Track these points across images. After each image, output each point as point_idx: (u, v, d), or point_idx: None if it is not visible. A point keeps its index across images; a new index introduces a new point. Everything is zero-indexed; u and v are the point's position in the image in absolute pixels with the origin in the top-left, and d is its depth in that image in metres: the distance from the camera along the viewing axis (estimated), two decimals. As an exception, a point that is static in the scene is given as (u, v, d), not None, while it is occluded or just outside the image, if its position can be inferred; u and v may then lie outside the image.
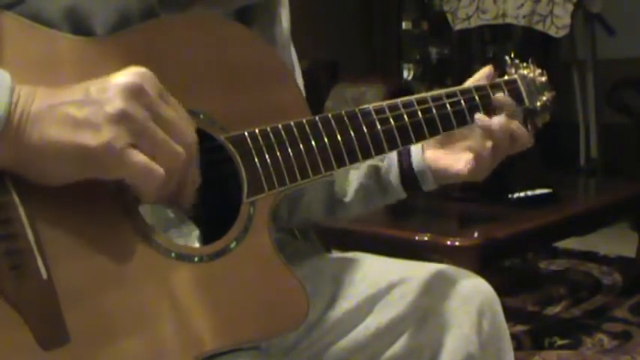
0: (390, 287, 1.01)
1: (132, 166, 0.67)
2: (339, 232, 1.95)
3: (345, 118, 0.89)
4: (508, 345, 1.02)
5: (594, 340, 2.36)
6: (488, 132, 0.99)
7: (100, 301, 0.70)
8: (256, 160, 0.81)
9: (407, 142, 0.95)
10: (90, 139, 0.66)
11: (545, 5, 3.78)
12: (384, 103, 0.93)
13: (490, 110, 1.02)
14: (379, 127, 0.92)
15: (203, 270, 0.77)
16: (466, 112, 1.00)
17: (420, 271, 1.02)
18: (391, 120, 0.93)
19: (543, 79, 1.11)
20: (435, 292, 0.99)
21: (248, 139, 0.81)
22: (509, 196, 2.33)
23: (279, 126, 0.83)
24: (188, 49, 0.80)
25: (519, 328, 2.43)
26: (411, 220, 2.43)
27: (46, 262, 0.67)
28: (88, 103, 0.67)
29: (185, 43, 0.80)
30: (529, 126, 1.08)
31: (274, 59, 0.87)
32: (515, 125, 1.01)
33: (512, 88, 1.06)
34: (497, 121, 0.99)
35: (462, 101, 1.00)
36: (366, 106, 0.92)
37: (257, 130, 0.82)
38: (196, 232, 0.85)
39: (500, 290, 1.05)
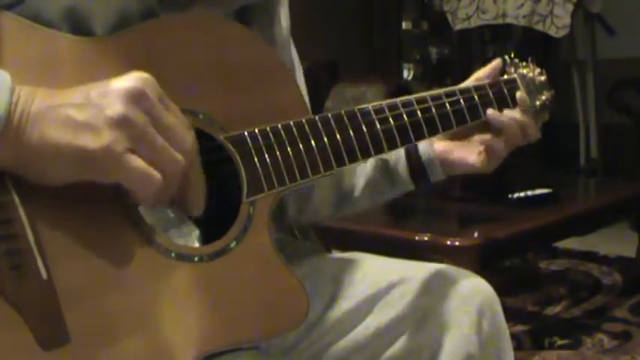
0: (390, 287, 1.01)
1: (130, 170, 0.67)
2: (339, 232, 1.96)
3: (345, 117, 0.89)
4: (508, 345, 1.02)
5: (594, 340, 2.36)
6: (500, 126, 1.03)
7: (100, 301, 0.70)
8: (256, 159, 0.81)
9: (406, 141, 0.95)
10: (90, 141, 0.66)
11: (545, 5, 3.78)
12: (384, 103, 0.94)
13: (500, 105, 1.05)
14: (378, 126, 0.92)
15: (203, 270, 0.77)
16: (465, 112, 1.01)
17: (419, 271, 1.02)
18: (390, 119, 0.93)
19: (542, 78, 1.12)
20: (434, 292, 0.99)
21: (248, 139, 0.81)
22: (509, 196, 2.33)
23: (279, 126, 0.83)
24: (188, 49, 0.80)
25: (519, 328, 2.43)
26: (411, 220, 2.44)
27: (46, 263, 0.67)
28: (89, 106, 0.67)
29: (185, 43, 0.80)
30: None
31: (274, 59, 0.87)
32: (527, 118, 1.05)
33: (511, 87, 1.07)
34: (510, 115, 1.04)
35: (462, 100, 1.00)
36: (365, 105, 0.92)
37: (257, 130, 0.82)
38: (196, 232, 0.85)
39: (500, 290, 1.05)
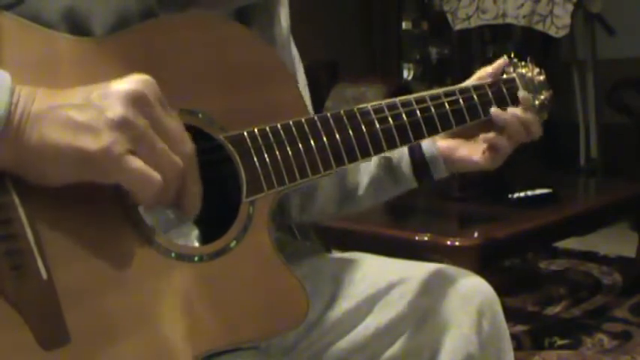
0: (390, 287, 1.01)
1: (129, 172, 0.67)
2: (339, 232, 1.96)
3: (344, 117, 0.89)
4: (508, 345, 1.02)
5: (594, 340, 2.36)
6: (503, 124, 1.03)
7: (100, 302, 0.70)
8: (255, 159, 0.81)
9: (405, 141, 0.95)
10: (89, 143, 0.66)
11: (545, 5, 3.78)
12: (383, 103, 0.94)
13: (499, 105, 1.05)
14: (378, 126, 0.92)
15: (203, 269, 0.77)
16: (464, 111, 1.01)
17: (419, 271, 1.03)
18: (390, 119, 0.93)
19: (541, 77, 1.12)
20: (434, 292, 0.99)
21: (247, 139, 0.81)
22: (509, 196, 2.33)
23: (278, 125, 0.83)
24: (187, 49, 0.80)
25: (519, 328, 2.43)
26: (411, 220, 2.44)
27: (46, 263, 0.67)
28: (89, 107, 0.67)
29: (184, 43, 0.80)
30: None
31: (273, 59, 0.87)
32: (530, 115, 1.05)
33: (510, 86, 1.07)
34: (513, 113, 1.04)
35: (461, 100, 1.01)
36: (364, 105, 0.92)
37: (256, 130, 0.82)
38: (196, 232, 0.85)
39: (500, 290, 1.05)
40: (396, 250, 1.79)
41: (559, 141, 4.03)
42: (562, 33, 3.75)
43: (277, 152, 0.83)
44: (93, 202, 0.71)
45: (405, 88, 3.60)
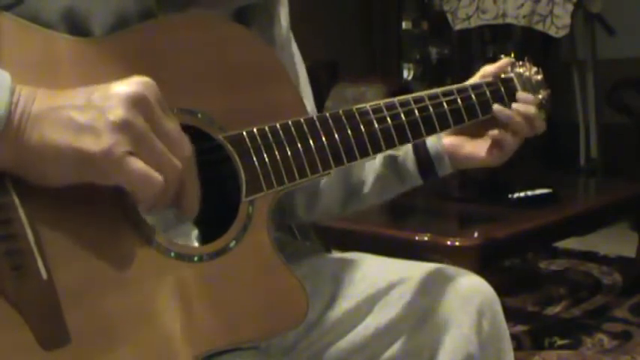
0: (390, 287, 1.01)
1: (130, 172, 0.67)
2: (339, 232, 1.96)
3: (343, 117, 0.90)
4: (508, 345, 1.02)
5: (594, 340, 2.36)
6: (506, 120, 1.04)
7: (100, 302, 0.70)
8: (255, 159, 0.81)
9: (404, 140, 0.95)
10: (90, 144, 0.66)
11: (545, 5, 3.78)
12: (382, 102, 0.94)
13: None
14: (376, 125, 0.92)
15: (203, 269, 0.77)
16: (463, 110, 1.01)
17: (419, 271, 1.03)
18: (388, 119, 0.93)
19: (539, 77, 1.13)
20: (434, 292, 0.99)
21: (246, 139, 0.81)
22: (509, 196, 2.33)
23: (278, 125, 0.84)
24: (186, 49, 0.80)
25: (519, 328, 2.43)
26: (411, 220, 2.44)
27: (46, 263, 0.67)
28: (90, 108, 0.67)
29: (183, 43, 0.80)
30: None
31: (273, 59, 0.87)
32: (533, 110, 1.06)
33: (508, 86, 1.07)
34: (515, 108, 1.05)
35: (459, 99, 1.01)
36: (363, 105, 0.92)
37: (255, 130, 0.82)
38: (195, 232, 0.85)
39: (500, 290, 1.05)
40: (396, 250, 1.79)
41: (559, 141, 4.03)
42: (562, 33, 3.75)
43: (276, 152, 0.83)
44: (93, 202, 0.71)
45: (405, 88, 3.60)
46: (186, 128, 0.75)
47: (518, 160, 1.09)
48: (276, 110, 0.85)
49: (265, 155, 0.82)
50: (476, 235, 1.96)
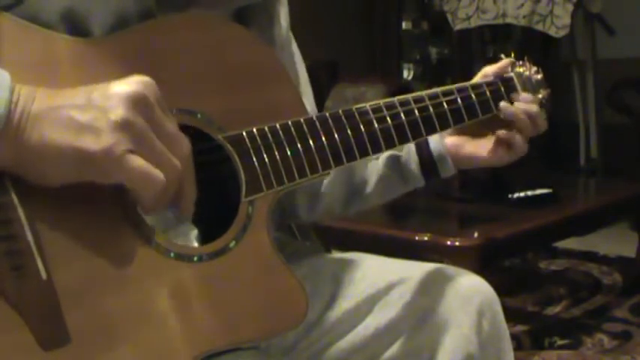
0: (390, 287, 1.01)
1: (131, 171, 0.67)
2: (339, 232, 1.96)
3: (343, 117, 0.90)
4: (508, 345, 1.02)
5: (594, 340, 2.36)
6: (512, 118, 1.04)
7: (100, 302, 0.70)
8: (254, 159, 0.81)
9: (404, 140, 0.95)
10: (91, 143, 0.66)
11: (545, 5, 3.78)
12: (381, 102, 0.94)
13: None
14: (376, 125, 0.92)
15: (202, 269, 0.77)
16: (463, 110, 1.01)
17: (419, 271, 1.03)
18: (388, 119, 0.93)
19: (539, 76, 1.13)
20: (434, 292, 0.99)
21: (246, 139, 0.81)
22: (509, 196, 2.33)
23: (277, 125, 0.83)
24: (186, 50, 0.80)
25: (519, 328, 2.43)
26: (411, 220, 2.43)
27: (45, 263, 0.67)
28: (91, 107, 0.67)
29: (183, 44, 0.80)
30: None
31: (272, 59, 0.87)
32: (536, 108, 1.06)
33: (508, 85, 1.07)
34: (519, 106, 1.05)
35: (459, 99, 1.01)
36: (363, 104, 0.92)
37: (255, 130, 0.82)
38: (195, 232, 0.85)
39: (500, 290, 1.05)
40: (396, 250, 1.79)
41: (559, 141, 4.04)
42: (562, 33, 3.75)
43: (276, 152, 0.83)
44: (92, 202, 0.71)
45: (405, 88, 3.60)
46: (185, 128, 0.75)
47: (518, 160, 1.09)
48: (275, 110, 0.85)
49: (265, 155, 0.82)
50: (476, 235, 1.96)
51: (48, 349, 0.66)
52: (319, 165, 0.86)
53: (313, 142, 0.86)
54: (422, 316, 0.98)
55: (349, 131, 0.89)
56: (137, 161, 0.67)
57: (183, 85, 0.78)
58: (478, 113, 1.03)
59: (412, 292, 1.00)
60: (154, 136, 0.69)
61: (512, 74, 1.10)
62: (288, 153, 0.84)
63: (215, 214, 0.82)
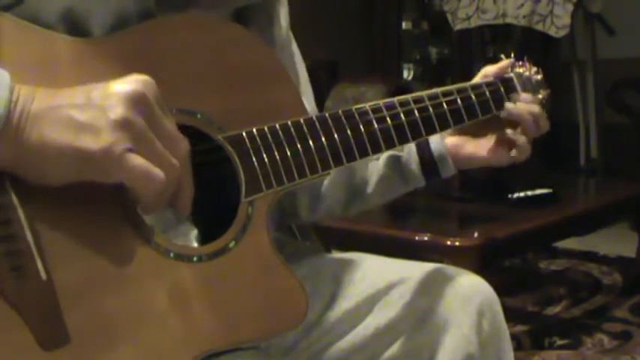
0: (390, 287, 1.01)
1: (131, 169, 0.67)
2: (339, 232, 1.96)
3: (342, 117, 0.89)
4: (508, 345, 1.02)
5: (594, 340, 2.36)
6: (518, 119, 1.04)
7: (100, 302, 0.70)
8: (254, 159, 0.81)
9: (404, 140, 0.95)
10: (90, 142, 0.66)
11: (545, 5, 3.78)
12: (381, 102, 0.94)
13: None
14: (376, 126, 0.92)
15: (202, 270, 0.77)
16: (462, 111, 1.01)
17: (419, 271, 1.03)
18: (388, 119, 0.93)
19: (539, 77, 1.13)
20: (434, 292, 0.99)
21: (246, 139, 0.81)
22: (509, 196, 2.33)
23: (277, 126, 0.83)
24: (185, 50, 0.80)
25: (519, 328, 2.43)
26: (411, 220, 2.44)
27: (45, 263, 0.67)
28: (90, 107, 0.67)
29: (182, 44, 0.80)
30: None
31: (272, 59, 0.87)
32: (538, 109, 1.06)
33: (508, 86, 1.07)
34: (524, 107, 1.05)
35: (459, 100, 1.01)
36: (362, 105, 0.92)
37: (255, 130, 0.82)
38: (195, 232, 0.85)
39: (500, 290, 1.05)
40: (395, 250, 1.79)
41: (559, 141, 4.03)
42: (562, 33, 3.75)
43: (276, 152, 0.83)
44: (92, 203, 0.71)
45: (405, 88, 3.60)
46: (185, 128, 0.75)
47: (518, 161, 1.09)
48: (275, 110, 0.85)
49: (265, 156, 0.82)
50: (476, 235, 1.96)
51: (48, 350, 0.66)
52: (319, 165, 0.86)
53: (313, 142, 0.86)
54: (422, 316, 0.98)
55: (349, 131, 0.89)
56: (137, 160, 0.67)
57: (182, 86, 0.78)
58: (478, 114, 1.03)
59: (412, 292, 1.00)
60: (153, 135, 0.69)
61: (511, 74, 1.09)
62: (288, 153, 0.84)
63: (215, 214, 0.82)
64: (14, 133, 0.65)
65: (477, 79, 1.08)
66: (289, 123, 0.84)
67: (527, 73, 1.11)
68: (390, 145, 0.93)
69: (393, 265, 1.07)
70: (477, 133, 1.08)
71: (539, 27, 3.81)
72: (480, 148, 1.08)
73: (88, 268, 0.69)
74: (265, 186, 0.82)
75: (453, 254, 1.86)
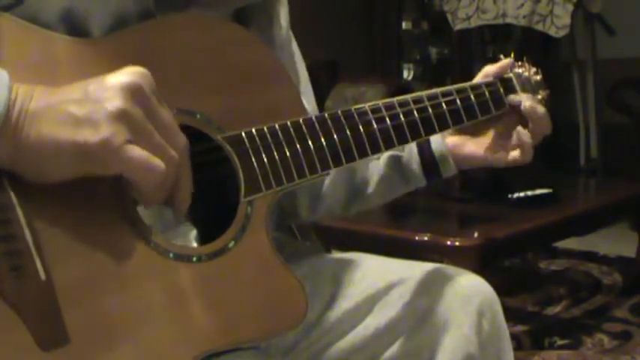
0: (390, 287, 1.01)
1: (131, 160, 0.67)
2: (339, 232, 1.96)
3: (342, 117, 0.89)
4: (508, 345, 1.01)
5: (594, 340, 2.36)
6: (534, 117, 1.03)
7: (99, 302, 0.69)
8: (253, 159, 0.81)
9: (403, 141, 0.95)
10: (89, 135, 0.65)
11: (545, 5, 3.78)
12: (380, 102, 0.94)
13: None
14: (375, 126, 0.92)
15: (201, 270, 0.77)
16: (462, 111, 1.01)
17: (419, 271, 1.02)
18: (387, 119, 0.93)
19: (538, 77, 1.12)
20: (434, 292, 0.99)
21: (245, 139, 0.81)
22: (509, 196, 2.33)
23: (276, 126, 0.83)
24: (185, 50, 0.80)
25: (519, 328, 2.43)
26: (411, 220, 2.44)
27: (44, 263, 0.66)
28: (87, 101, 0.67)
29: (182, 44, 0.80)
30: None
31: (271, 59, 0.87)
32: (542, 108, 1.05)
33: (507, 86, 1.07)
34: (527, 102, 1.04)
35: (458, 100, 1.01)
36: (361, 105, 0.92)
37: (254, 130, 0.82)
38: (194, 232, 0.85)
39: (500, 290, 1.05)
40: (396, 250, 1.79)
41: (559, 141, 4.03)
42: (562, 33, 3.75)
43: (275, 153, 0.83)
44: (91, 203, 0.71)
45: (405, 88, 3.60)
46: (184, 129, 0.75)
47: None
48: (275, 110, 0.85)
49: (264, 156, 0.82)
50: (476, 235, 1.96)
51: (47, 350, 0.66)
52: (318, 165, 0.86)
53: (312, 142, 0.86)
54: (422, 316, 0.98)
55: (348, 132, 0.89)
56: (136, 151, 0.67)
57: (182, 86, 0.78)
58: (477, 114, 1.03)
59: (412, 292, 1.00)
60: (150, 126, 0.69)
61: (511, 75, 1.09)
62: (287, 154, 0.84)
63: (214, 214, 0.82)
64: (13, 132, 0.65)
65: (478, 78, 1.08)
66: (288, 123, 0.84)
67: (526, 74, 1.11)
68: (389, 146, 0.93)
69: (393, 265, 1.06)
70: (476, 132, 1.08)
71: (539, 27, 3.81)
72: (480, 148, 1.07)
73: (87, 268, 0.69)
74: (264, 186, 0.82)
75: (453, 254, 1.86)
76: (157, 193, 0.71)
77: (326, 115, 0.88)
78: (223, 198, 0.83)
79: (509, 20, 3.91)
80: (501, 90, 1.06)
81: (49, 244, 0.67)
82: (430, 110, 0.97)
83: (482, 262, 1.87)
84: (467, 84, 1.04)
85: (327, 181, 1.10)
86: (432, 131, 0.98)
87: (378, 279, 1.02)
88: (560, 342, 2.33)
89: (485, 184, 2.39)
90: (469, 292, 0.99)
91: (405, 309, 0.99)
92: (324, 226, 1.31)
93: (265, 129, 0.82)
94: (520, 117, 1.05)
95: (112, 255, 0.71)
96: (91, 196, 0.71)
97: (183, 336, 0.74)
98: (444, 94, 1.00)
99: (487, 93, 1.04)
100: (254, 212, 0.82)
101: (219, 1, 0.92)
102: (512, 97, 1.05)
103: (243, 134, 0.81)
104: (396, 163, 1.11)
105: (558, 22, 3.74)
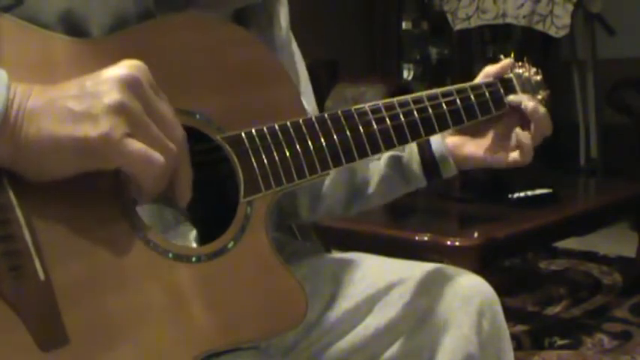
0: (390, 287, 1.01)
1: (130, 154, 0.67)
2: (339, 232, 1.96)
3: (342, 117, 0.89)
4: (508, 345, 1.01)
5: (594, 340, 2.36)
6: (537, 118, 1.03)
7: (99, 302, 0.69)
8: (253, 160, 0.81)
9: (403, 141, 0.95)
10: (89, 130, 0.65)
11: (545, 5, 3.78)
12: (380, 103, 0.94)
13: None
14: (375, 126, 0.92)
15: (201, 270, 0.77)
16: (462, 111, 1.01)
17: (419, 271, 1.02)
18: (387, 119, 0.93)
19: (538, 77, 1.12)
20: (434, 292, 0.99)
21: (245, 140, 0.81)
22: (509, 196, 2.33)
23: (276, 126, 0.83)
24: (184, 50, 0.79)
25: (519, 328, 2.43)
26: (411, 220, 2.43)
27: (43, 264, 0.66)
28: (85, 96, 0.67)
29: (181, 44, 0.80)
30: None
31: (271, 60, 0.87)
32: (543, 108, 1.05)
33: (507, 86, 1.07)
34: (528, 102, 1.04)
35: (458, 100, 1.00)
36: (361, 105, 0.92)
37: (254, 131, 0.82)
38: (194, 232, 0.85)
39: (500, 290, 1.05)
40: (395, 250, 1.79)
41: (559, 141, 4.02)
42: (562, 33, 3.75)
43: (275, 153, 0.83)
44: (90, 203, 0.71)
45: (405, 88, 3.60)
46: (184, 129, 0.75)
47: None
48: (274, 111, 0.85)
49: (264, 156, 0.82)
50: (476, 235, 1.96)
51: (46, 350, 0.66)
52: (318, 166, 0.86)
53: (312, 143, 0.86)
54: (422, 316, 0.98)
55: (348, 132, 0.89)
56: (135, 144, 0.67)
57: (182, 86, 0.78)
58: (477, 114, 1.03)
59: (412, 292, 1.00)
60: (148, 119, 0.69)
61: (511, 75, 1.09)
62: (287, 154, 0.84)
63: (213, 214, 0.82)
64: (12, 131, 0.65)
65: (478, 79, 1.07)
66: (288, 124, 0.84)
67: (526, 74, 1.11)
68: (389, 146, 0.93)
69: (393, 265, 1.06)
70: (476, 133, 1.08)
71: (539, 27, 3.81)
72: (479, 148, 1.07)
73: (86, 268, 0.69)
74: (264, 186, 0.82)
75: (453, 254, 1.86)
76: (156, 186, 0.71)
77: (326, 115, 0.88)
78: (223, 198, 0.83)
79: (509, 20, 3.91)
80: (501, 90, 1.06)
81: (48, 244, 0.67)
82: (430, 110, 0.97)
83: (483, 262, 1.87)
84: (467, 84, 1.04)
85: (328, 181, 1.10)
86: (432, 131, 0.98)
87: (378, 279, 1.02)
88: (560, 342, 2.33)
89: (486, 184, 2.39)
90: (469, 292, 0.99)
91: (405, 309, 0.99)
92: (324, 226, 1.31)
93: (265, 129, 0.82)
94: (520, 117, 1.05)
95: (112, 255, 0.71)
96: (91, 196, 0.71)
97: (183, 336, 0.74)
98: (444, 95, 1.00)
99: (487, 93, 1.04)
100: (253, 212, 0.81)
101: (218, 2, 0.92)
102: (513, 98, 1.05)
103: (243, 134, 0.81)
104: (396, 163, 1.11)
105: (558, 22, 3.74)
